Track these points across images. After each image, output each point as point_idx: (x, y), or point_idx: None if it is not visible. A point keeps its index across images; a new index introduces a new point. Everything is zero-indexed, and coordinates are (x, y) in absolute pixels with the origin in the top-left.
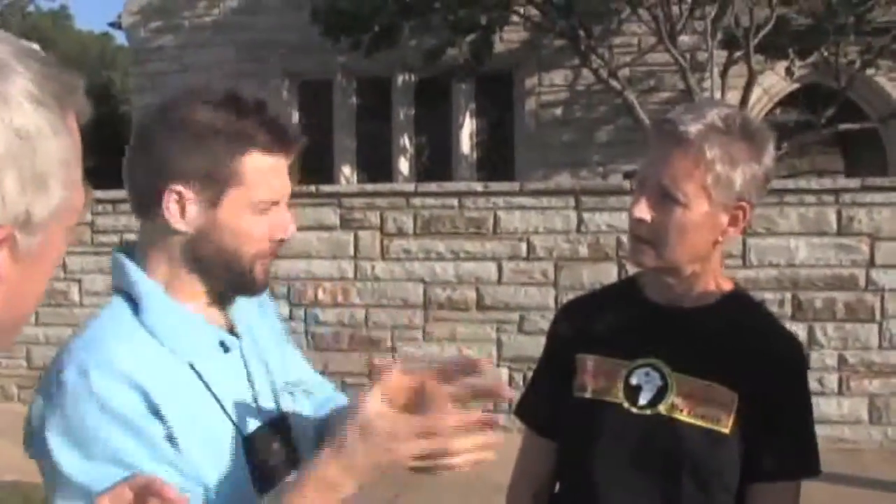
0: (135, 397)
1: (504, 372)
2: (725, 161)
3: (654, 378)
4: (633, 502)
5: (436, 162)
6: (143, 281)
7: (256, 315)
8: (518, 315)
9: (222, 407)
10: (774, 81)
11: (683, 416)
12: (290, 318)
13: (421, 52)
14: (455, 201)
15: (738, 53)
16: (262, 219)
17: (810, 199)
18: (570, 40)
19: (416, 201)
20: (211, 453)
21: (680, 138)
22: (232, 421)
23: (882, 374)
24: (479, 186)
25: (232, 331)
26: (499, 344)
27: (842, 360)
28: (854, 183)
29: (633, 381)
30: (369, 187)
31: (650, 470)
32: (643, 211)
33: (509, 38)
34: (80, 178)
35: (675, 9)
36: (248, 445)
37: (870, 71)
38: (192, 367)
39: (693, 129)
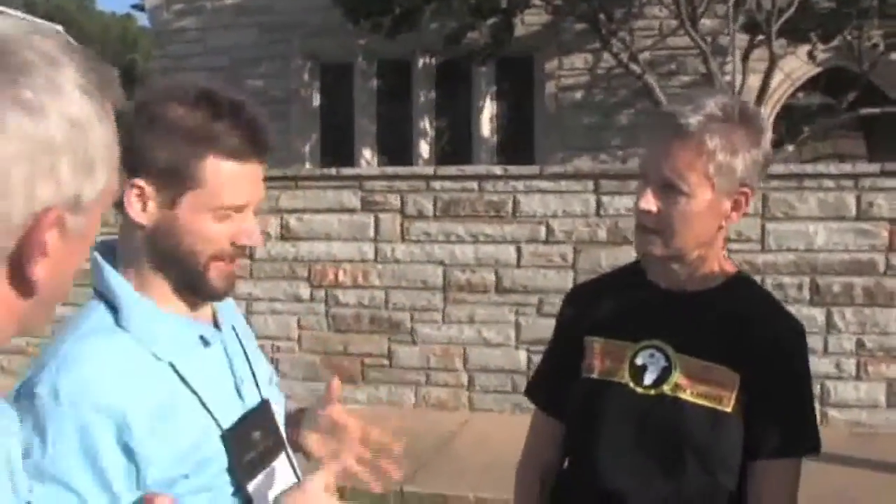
0: (102, 427)
1: (523, 355)
2: (726, 150)
3: (658, 359)
4: (637, 479)
5: (456, 145)
6: (118, 284)
7: (233, 306)
8: (537, 298)
9: (203, 404)
10: (796, 66)
11: (687, 396)
12: (311, 299)
13: (441, 35)
14: (475, 184)
15: (759, 37)
16: (223, 224)
17: (829, 183)
18: (590, 24)
19: (437, 184)
20: (191, 455)
21: (681, 130)
22: (213, 418)
23: None
24: (498, 170)
25: (215, 321)
26: (517, 327)
27: (860, 345)
28: (873, 168)
29: (639, 361)
30: (389, 170)
31: (654, 447)
32: (650, 202)
33: (530, 21)
34: (118, 163)
35: None
36: (227, 442)
37: (893, 55)
38: (172, 367)
39: (693, 120)
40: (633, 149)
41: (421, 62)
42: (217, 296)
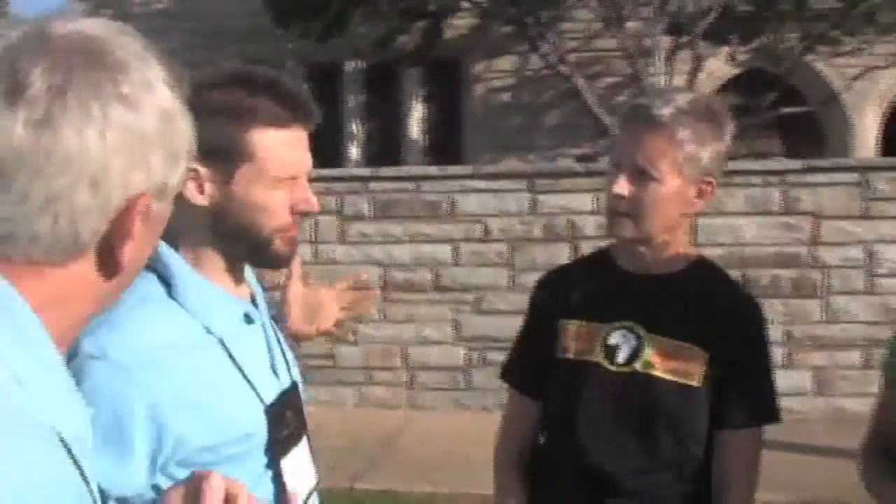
0: (138, 393)
1: (462, 352)
2: (694, 141)
3: (629, 338)
4: (612, 451)
5: (385, 147)
6: (173, 259)
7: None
8: (474, 296)
9: (248, 381)
10: (718, 66)
11: (657, 372)
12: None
13: (370, 40)
14: (412, 185)
15: (683, 39)
16: (278, 193)
17: (756, 180)
18: (518, 26)
19: (374, 185)
20: (234, 426)
21: (654, 121)
22: (257, 394)
23: (825, 347)
24: (435, 170)
25: (253, 301)
26: (456, 324)
27: (788, 335)
28: (797, 164)
29: (611, 341)
30: (327, 172)
31: (628, 421)
32: (623, 187)
33: (457, 24)
34: (190, 155)
35: None
36: (268, 418)
37: (809, 56)
38: (221, 342)
39: (665, 112)
40: (562, 149)
41: (350, 66)
42: (283, 263)
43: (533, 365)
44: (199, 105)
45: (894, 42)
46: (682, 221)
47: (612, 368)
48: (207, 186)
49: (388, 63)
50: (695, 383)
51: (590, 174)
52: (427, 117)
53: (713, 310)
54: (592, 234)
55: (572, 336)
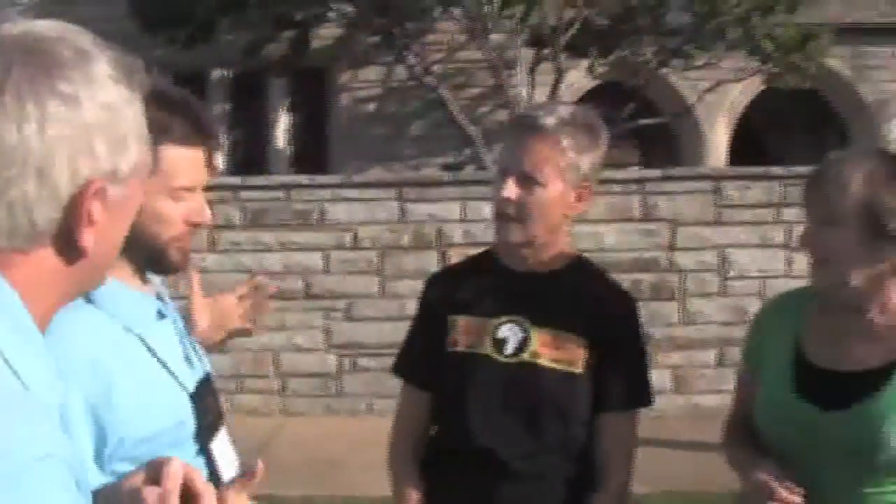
0: (75, 392)
1: (333, 358)
2: (575, 149)
3: (516, 331)
4: (503, 438)
5: (251, 156)
6: None
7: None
8: (345, 303)
9: (171, 372)
10: (578, 78)
11: (543, 362)
12: None
13: (237, 48)
14: (282, 194)
15: (545, 51)
16: (178, 204)
17: (616, 188)
18: (384, 37)
19: (244, 194)
20: (157, 414)
21: (539, 129)
22: (180, 384)
23: (683, 347)
24: (305, 179)
25: (160, 298)
26: (326, 331)
27: (647, 337)
28: (655, 173)
29: (499, 334)
30: None
31: (517, 409)
32: (511, 192)
33: (324, 34)
34: (147, 140)
35: (486, 8)
36: (193, 405)
37: (664, 70)
38: (140, 338)
39: (549, 121)
40: (426, 158)
41: (216, 74)
42: (175, 270)
43: (424, 359)
44: None
45: (742, 57)
46: (563, 223)
47: (501, 360)
48: None
49: (254, 72)
50: (578, 370)
51: (457, 183)
52: (293, 127)
53: (592, 302)
54: (460, 241)
55: (462, 330)
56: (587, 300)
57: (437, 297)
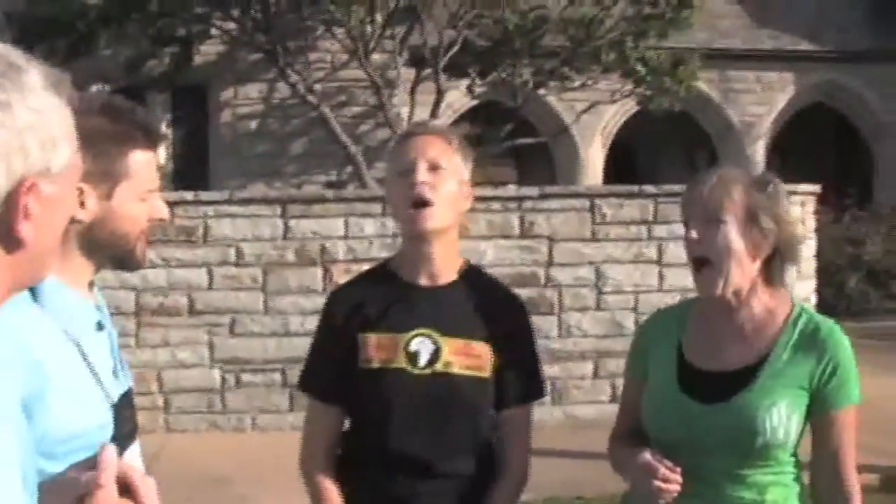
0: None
1: (217, 374)
2: (462, 152)
3: (427, 344)
4: (420, 447)
5: None
6: None
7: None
8: (229, 318)
9: (99, 382)
10: (457, 98)
11: (455, 370)
12: None
13: (117, 62)
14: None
15: (426, 71)
16: (144, 204)
17: (496, 206)
18: (266, 54)
19: None
20: (80, 418)
21: (436, 130)
22: (106, 393)
23: (561, 359)
24: (189, 195)
25: (99, 310)
26: (211, 347)
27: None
28: (533, 191)
29: (412, 348)
30: None
31: (433, 417)
32: (423, 174)
33: (206, 50)
34: (76, 144)
35: (368, 28)
36: (115, 413)
37: (542, 91)
38: (77, 345)
39: (441, 124)
40: (307, 175)
41: (94, 89)
42: (141, 265)
43: (332, 375)
44: (78, 131)
45: (616, 80)
46: (457, 224)
47: (416, 372)
48: (89, 202)
49: (134, 87)
50: (486, 374)
51: (340, 200)
52: (174, 143)
53: (490, 307)
54: (343, 258)
55: (374, 347)
56: (485, 306)
57: (343, 315)
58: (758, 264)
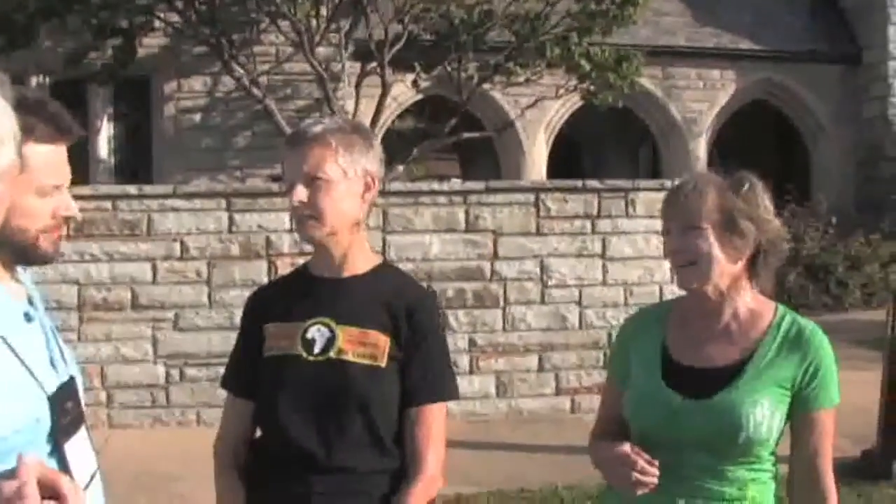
0: None
1: (161, 369)
2: (347, 147)
3: (324, 332)
4: (313, 433)
5: (72, 166)
6: None
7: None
8: (173, 313)
9: (31, 374)
10: (402, 92)
11: (349, 357)
12: None
13: (57, 54)
14: (109, 204)
15: (371, 65)
16: (45, 200)
17: (442, 199)
18: (211, 47)
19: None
20: (22, 416)
21: (311, 137)
22: (40, 386)
23: (506, 353)
24: (133, 189)
25: (30, 302)
26: (154, 341)
27: (472, 343)
28: (479, 186)
29: (308, 336)
30: None
31: (326, 404)
32: (301, 194)
33: (149, 43)
34: (20, 147)
35: (314, 21)
36: (52, 407)
37: (487, 86)
38: (3, 339)
39: (317, 129)
40: (252, 169)
41: (34, 81)
42: (49, 259)
43: (244, 370)
44: None
45: (561, 75)
46: (359, 226)
47: (310, 359)
48: None
49: (75, 80)
50: (381, 363)
51: (285, 193)
52: (116, 136)
53: (394, 299)
54: (289, 251)
55: (274, 336)
56: (389, 297)
57: (255, 312)
58: (740, 265)
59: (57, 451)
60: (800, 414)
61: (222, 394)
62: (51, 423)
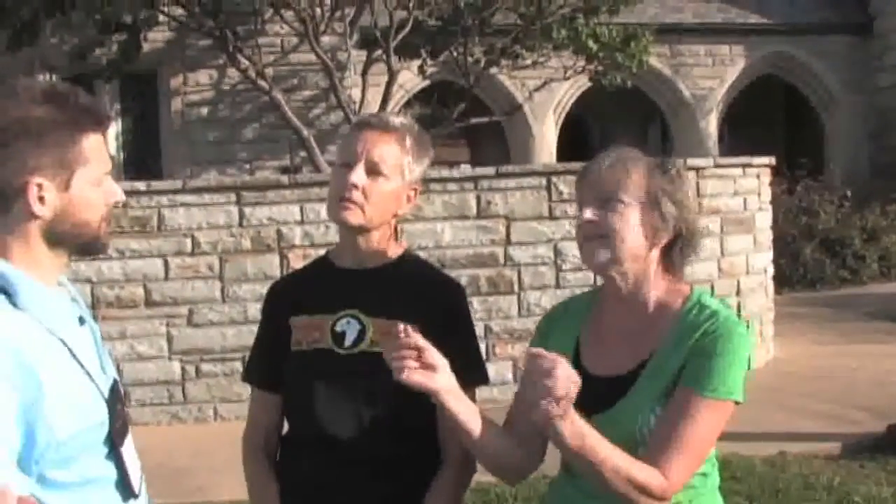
0: (5, 392)
1: (176, 365)
2: (414, 153)
3: (353, 324)
4: (348, 425)
5: None
6: (10, 270)
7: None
8: (187, 309)
9: (91, 377)
10: (409, 79)
11: (381, 350)
12: None
13: (63, 51)
14: None
15: (377, 53)
16: (100, 189)
17: (453, 186)
18: (215, 40)
19: None
20: (79, 417)
21: (391, 127)
22: (98, 388)
23: (522, 339)
24: (142, 185)
25: (76, 303)
26: (169, 338)
27: (488, 330)
28: (489, 171)
29: (338, 329)
30: None
31: (359, 397)
32: (359, 177)
33: (154, 37)
34: None
35: (318, 10)
36: (108, 409)
37: (493, 70)
38: (63, 342)
39: (397, 122)
40: (260, 161)
41: (41, 78)
42: (106, 248)
43: (269, 363)
44: (26, 122)
45: (568, 56)
46: (392, 221)
47: (342, 352)
48: (48, 196)
49: (81, 76)
50: None
51: (295, 185)
52: (124, 132)
53: (422, 288)
54: (300, 243)
55: (303, 330)
56: (417, 287)
57: (277, 305)
58: (656, 252)
59: (114, 454)
60: (675, 390)
61: (239, 389)
62: (108, 426)
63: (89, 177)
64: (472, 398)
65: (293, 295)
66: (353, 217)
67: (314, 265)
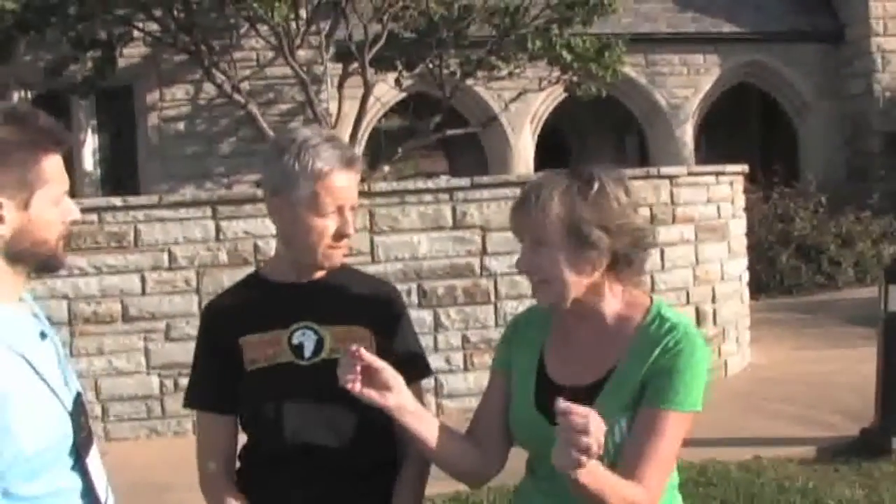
0: None
1: (155, 380)
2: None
3: (310, 335)
4: (326, 437)
5: None
6: None
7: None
8: (164, 323)
9: (53, 391)
10: (385, 91)
11: (341, 356)
12: None
13: (37, 68)
14: (94, 216)
15: (353, 66)
16: (58, 208)
17: (428, 198)
18: (191, 55)
19: None
20: (44, 431)
21: (357, 166)
22: (61, 402)
23: None
24: (118, 201)
25: (37, 319)
26: (147, 353)
27: (465, 340)
28: (465, 182)
29: (295, 341)
30: None
31: (324, 406)
32: (348, 227)
33: (129, 53)
34: None
35: (293, 24)
36: (72, 421)
37: (469, 81)
38: (24, 357)
39: (357, 154)
40: (237, 175)
41: (15, 96)
42: (62, 266)
43: (217, 384)
44: None
45: (543, 67)
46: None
47: (304, 363)
48: (7, 215)
49: (56, 92)
50: None
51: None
52: (101, 148)
53: (365, 293)
54: None
55: (256, 347)
56: (360, 293)
57: (220, 325)
58: (597, 275)
59: (79, 465)
60: (640, 408)
61: None
62: (73, 438)
63: (48, 196)
64: (418, 392)
65: (235, 315)
66: (341, 257)
67: (246, 284)
